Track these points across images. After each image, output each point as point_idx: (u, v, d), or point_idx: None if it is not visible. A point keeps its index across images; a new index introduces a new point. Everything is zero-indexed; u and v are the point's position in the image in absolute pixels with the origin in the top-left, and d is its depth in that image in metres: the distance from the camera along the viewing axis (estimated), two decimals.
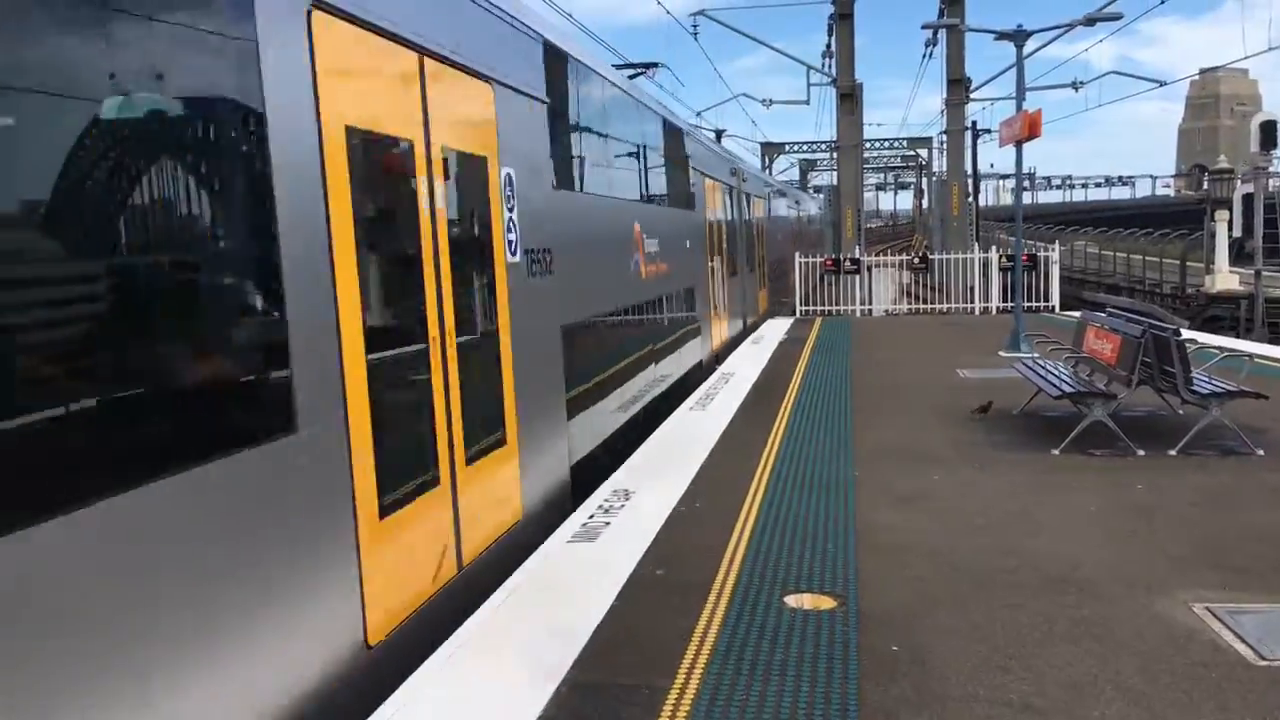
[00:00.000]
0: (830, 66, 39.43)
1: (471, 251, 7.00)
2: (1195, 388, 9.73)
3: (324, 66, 4.98)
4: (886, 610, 5.89)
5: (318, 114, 4.89)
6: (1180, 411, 10.93)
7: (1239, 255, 33.62)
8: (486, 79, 7.36)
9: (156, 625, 3.68)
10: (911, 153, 73.73)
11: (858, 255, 29.75)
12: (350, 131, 5.21)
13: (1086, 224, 70.95)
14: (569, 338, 9.27)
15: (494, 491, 7.18)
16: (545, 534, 7.66)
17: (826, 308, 27.74)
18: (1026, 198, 19.77)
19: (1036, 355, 15.27)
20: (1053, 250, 26.88)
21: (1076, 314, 24.19)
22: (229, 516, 4.15)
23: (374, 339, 5.35)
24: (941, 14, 35.07)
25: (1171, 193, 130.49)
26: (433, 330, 6.19)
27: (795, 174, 78.55)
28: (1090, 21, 19.09)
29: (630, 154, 13.36)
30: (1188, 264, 37.11)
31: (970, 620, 5.72)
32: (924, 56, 43.19)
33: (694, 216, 17.39)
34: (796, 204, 43.72)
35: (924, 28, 32.55)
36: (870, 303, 28.08)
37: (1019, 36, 17.87)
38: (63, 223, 3.45)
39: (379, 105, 5.65)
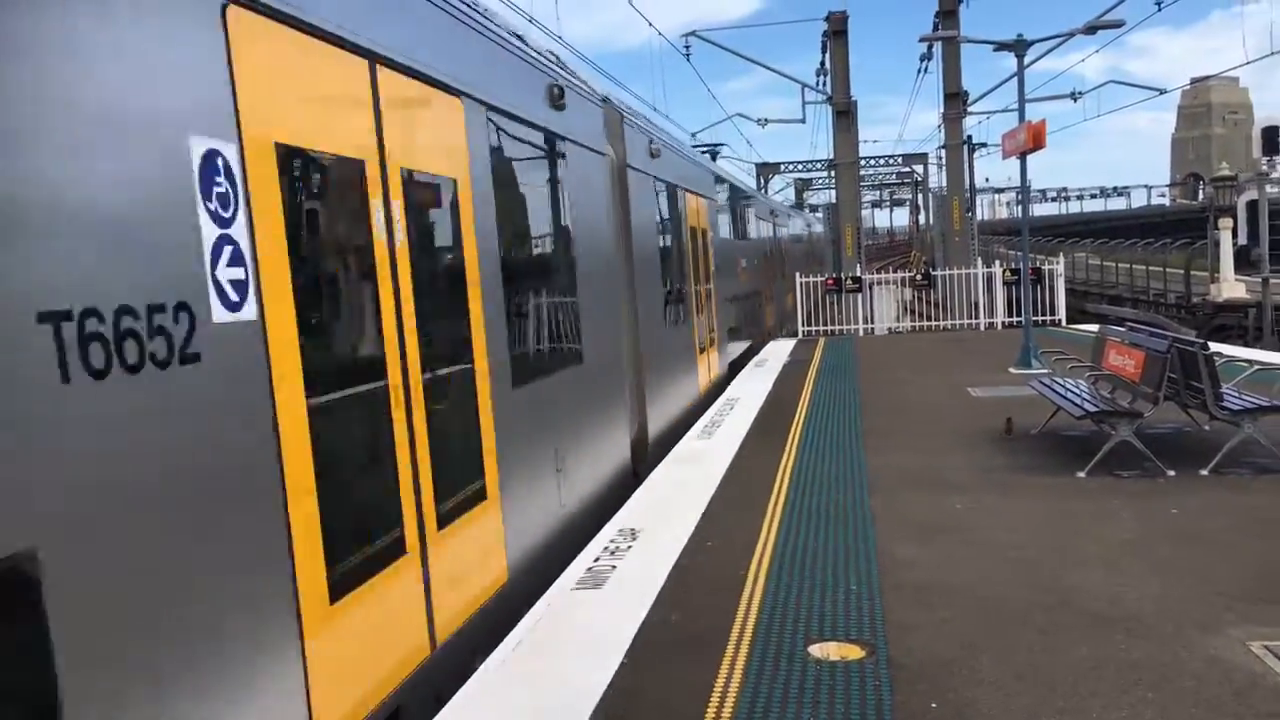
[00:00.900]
0: (825, 84, 39.20)
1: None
2: (1226, 404, 9.29)
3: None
4: (920, 660, 5.43)
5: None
6: (1207, 428, 10.52)
7: (1244, 263, 33.24)
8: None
9: None
10: (907, 169, 73.49)
11: (859, 273, 29.38)
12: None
13: (1084, 235, 70.74)
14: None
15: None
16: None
17: (829, 328, 27.34)
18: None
19: (1049, 371, 14.85)
20: (1057, 263, 26.52)
21: (1083, 327, 23.89)
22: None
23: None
24: (936, 28, 34.82)
25: (1167, 202, 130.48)
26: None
27: (791, 193, 78.29)
28: (1091, 30, 18.77)
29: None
30: (1192, 273, 36.78)
31: (1012, 668, 5.26)
32: (919, 72, 43.02)
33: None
34: (808, 225, 43.66)
35: (921, 40, 32.23)
36: (873, 321, 27.68)
37: (1020, 46, 17.53)
38: None
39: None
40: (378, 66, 5.39)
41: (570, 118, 9.29)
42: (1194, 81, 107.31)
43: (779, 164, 64.63)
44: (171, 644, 3.45)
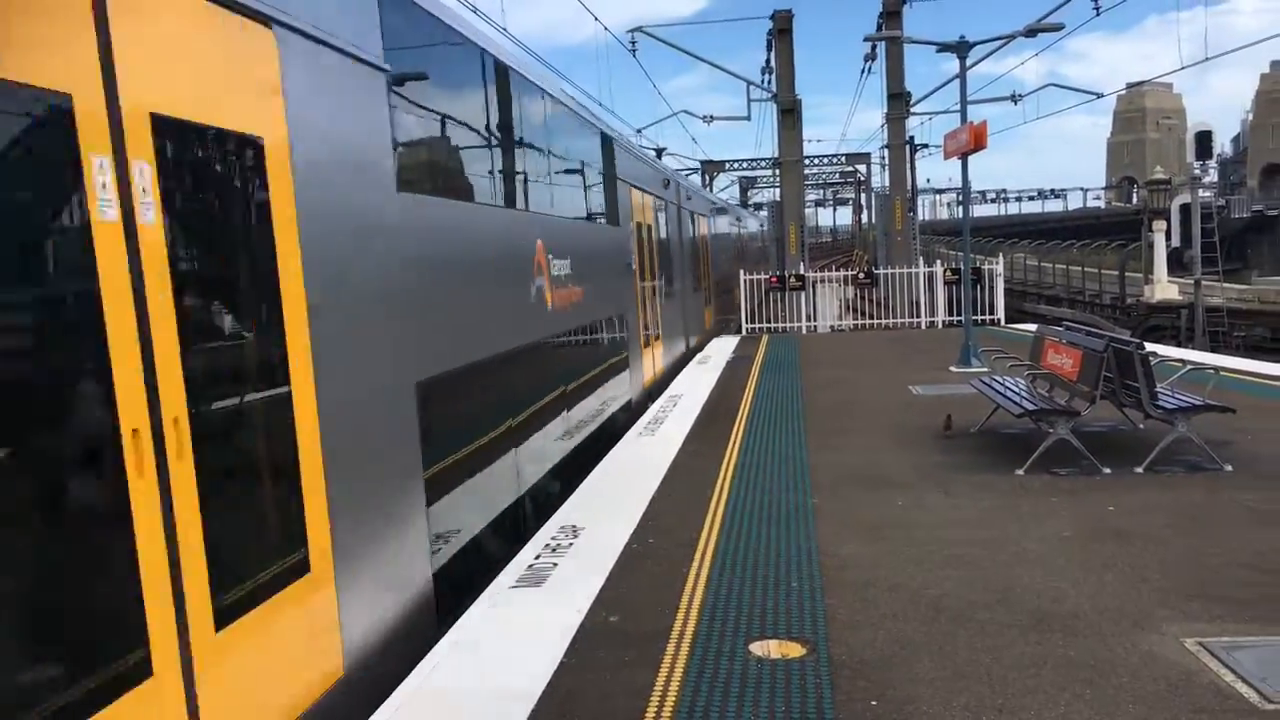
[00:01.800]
0: (770, 83, 39.29)
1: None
2: (1160, 403, 9.43)
3: None
4: (860, 657, 5.42)
5: None
6: (1142, 426, 10.67)
7: (1177, 265, 33.94)
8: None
9: None
10: (850, 168, 74.05)
11: (802, 271, 29.50)
12: None
13: (1022, 236, 71.88)
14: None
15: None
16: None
17: (773, 325, 27.43)
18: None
19: (989, 370, 15.01)
20: (996, 264, 26.85)
21: (1021, 327, 24.20)
22: None
23: None
24: (880, 28, 35.07)
25: (1103, 204, 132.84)
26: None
27: (736, 191, 78.55)
28: (1032, 32, 19.00)
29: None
30: (1126, 274, 37.49)
31: (952, 666, 5.26)
32: (863, 72, 43.25)
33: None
34: (739, 221, 43.36)
35: (866, 39, 32.39)
36: (816, 319, 27.83)
37: (961, 48, 17.69)
38: None
39: None
40: None
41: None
42: (1129, 87, 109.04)
43: (724, 162, 64.77)
44: None
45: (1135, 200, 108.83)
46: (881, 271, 28.77)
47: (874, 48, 38.41)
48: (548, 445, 10.04)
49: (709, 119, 47.02)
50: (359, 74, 6.04)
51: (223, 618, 4.20)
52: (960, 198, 19.38)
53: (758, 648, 5.62)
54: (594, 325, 12.80)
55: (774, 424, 12.64)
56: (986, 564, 6.90)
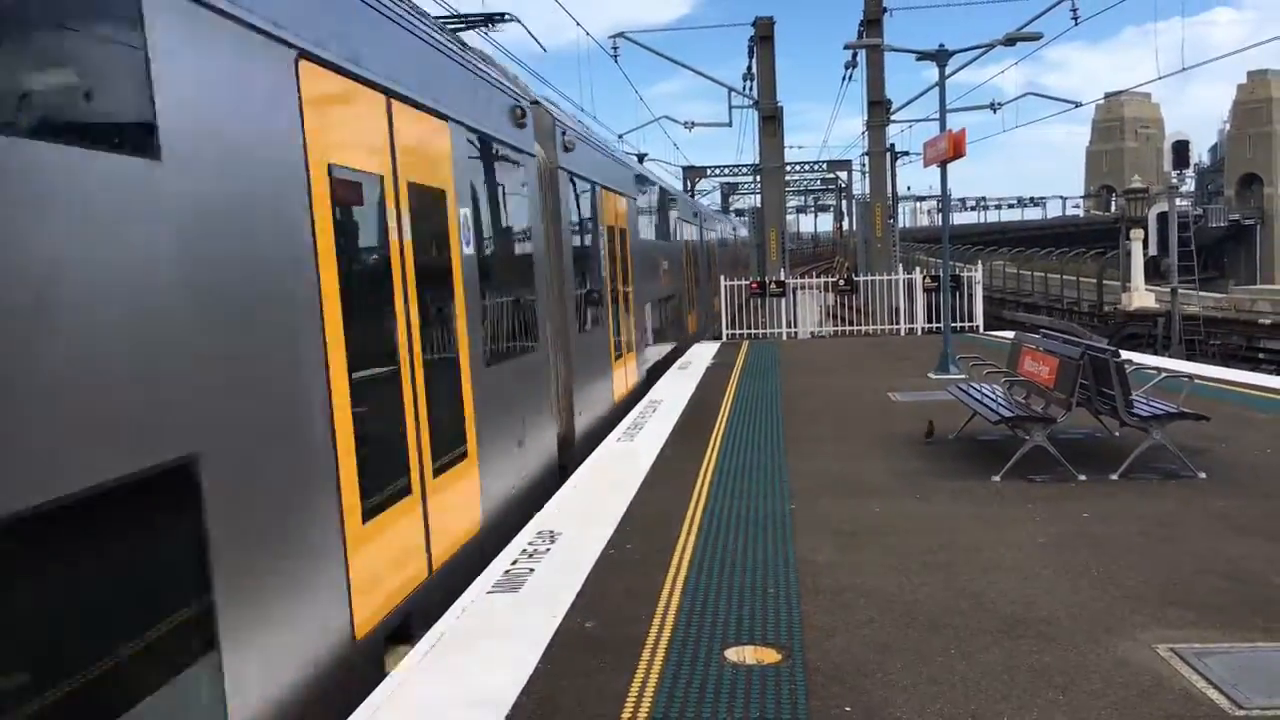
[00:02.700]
0: (751, 89, 39.42)
1: None
2: (1136, 410, 9.49)
3: None
4: (835, 663, 5.43)
5: None
6: (1117, 434, 10.73)
7: (1154, 273, 34.20)
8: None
9: None
10: (831, 175, 74.36)
11: (783, 277, 29.58)
12: None
13: (1001, 244, 72.28)
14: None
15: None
16: None
17: (753, 331, 27.48)
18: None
19: (967, 377, 15.07)
20: (975, 271, 26.99)
21: (1000, 334, 24.33)
22: None
23: None
24: (861, 36, 35.23)
25: (1081, 213, 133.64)
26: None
27: (717, 197, 78.73)
28: (1010, 41, 19.11)
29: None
30: (1104, 282, 37.76)
31: (926, 672, 5.28)
32: (844, 79, 43.60)
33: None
34: (731, 229, 43.51)
35: (846, 47, 32.63)
36: (796, 325, 27.89)
37: (941, 56, 17.79)
38: None
39: None
40: None
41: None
42: (1108, 96, 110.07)
43: (705, 168, 64.95)
44: None
45: (1113, 209, 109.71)
46: (861, 278, 28.87)
47: (855, 55, 38.61)
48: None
49: (690, 125, 47.16)
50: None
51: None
52: (940, 205, 19.46)
53: (733, 654, 5.62)
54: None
55: (753, 430, 12.67)
56: (962, 570, 6.93)
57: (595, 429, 12.95)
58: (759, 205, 43.49)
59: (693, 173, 62.94)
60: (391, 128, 6.42)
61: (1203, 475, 9.26)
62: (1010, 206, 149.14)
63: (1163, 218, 31.47)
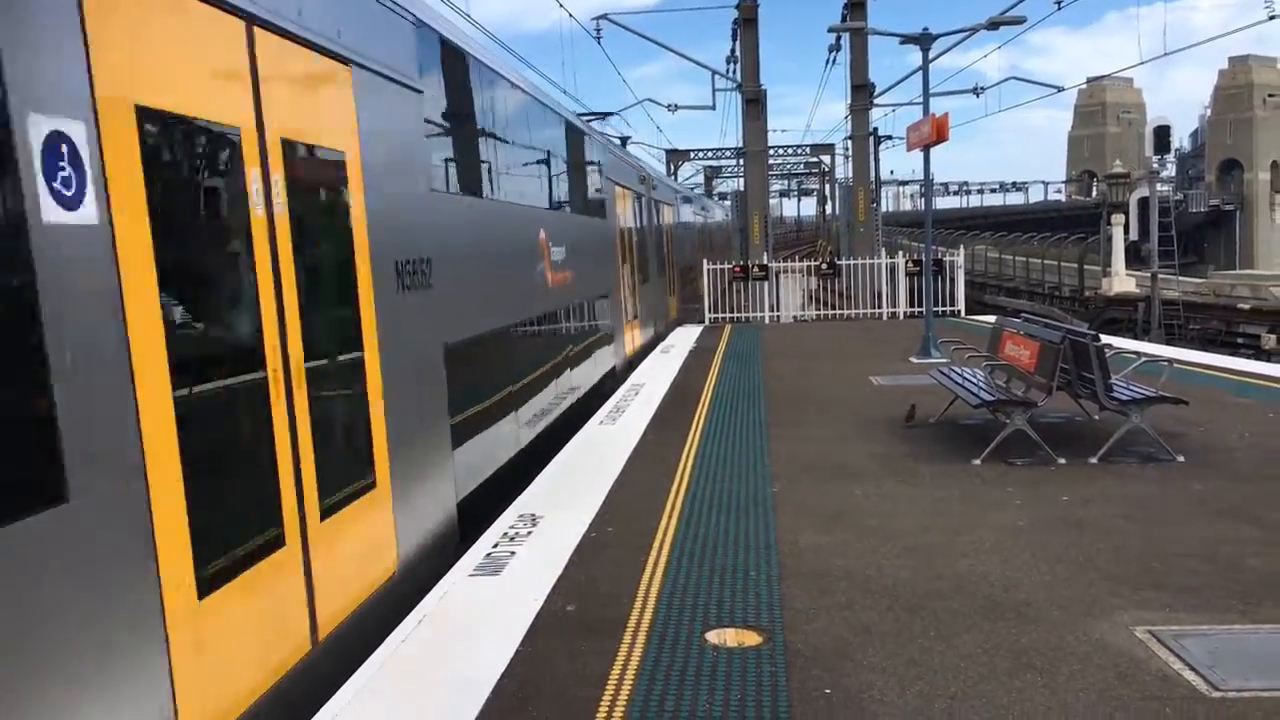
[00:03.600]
0: (735, 72, 39.33)
1: None
2: (1115, 394, 9.54)
3: None
4: (816, 646, 5.45)
5: None
6: (1097, 418, 10.77)
7: (1135, 258, 34.36)
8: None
9: None
10: (815, 159, 74.36)
11: (766, 261, 29.56)
12: None
13: (984, 228, 72.48)
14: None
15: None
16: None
17: (736, 315, 27.49)
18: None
19: (948, 361, 15.12)
20: (957, 255, 27.05)
21: (981, 318, 24.42)
22: None
23: None
24: (845, 19, 35.17)
25: (1063, 197, 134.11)
26: None
27: (700, 180, 78.64)
28: (994, 25, 19.10)
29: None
30: (1085, 267, 37.92)
31: (906, 654, 5.30)
32: (827, 63, 43.56)
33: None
34: (704, 210, 43.20)
35: (830, 30, 32.52)
36: (779, 309, 27.91)
37: (925, 40, 17.77)
38: None
39: None
40: None
41: None
42: (1090, 81, 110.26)
43: (689, 151, 64.84)
44: None
45: (1095, 194, 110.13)
46: (844, 262, 28.90)
47: (838, 39, 38.57)
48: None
49: (674, 107, 47.00)
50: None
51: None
52: (923, 189, 19.49)
53: (714, 636, 5.63)
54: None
55: (735, 413, 12.68)
56: (942, 553, 6.96)
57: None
58: (742, 189, 43.46)
59: (676, 156, 62.83)
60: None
61: (1181, 459, 9.32)
62: (993, 191, 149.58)
63: (1144, 203, 31.59)
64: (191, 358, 4.33)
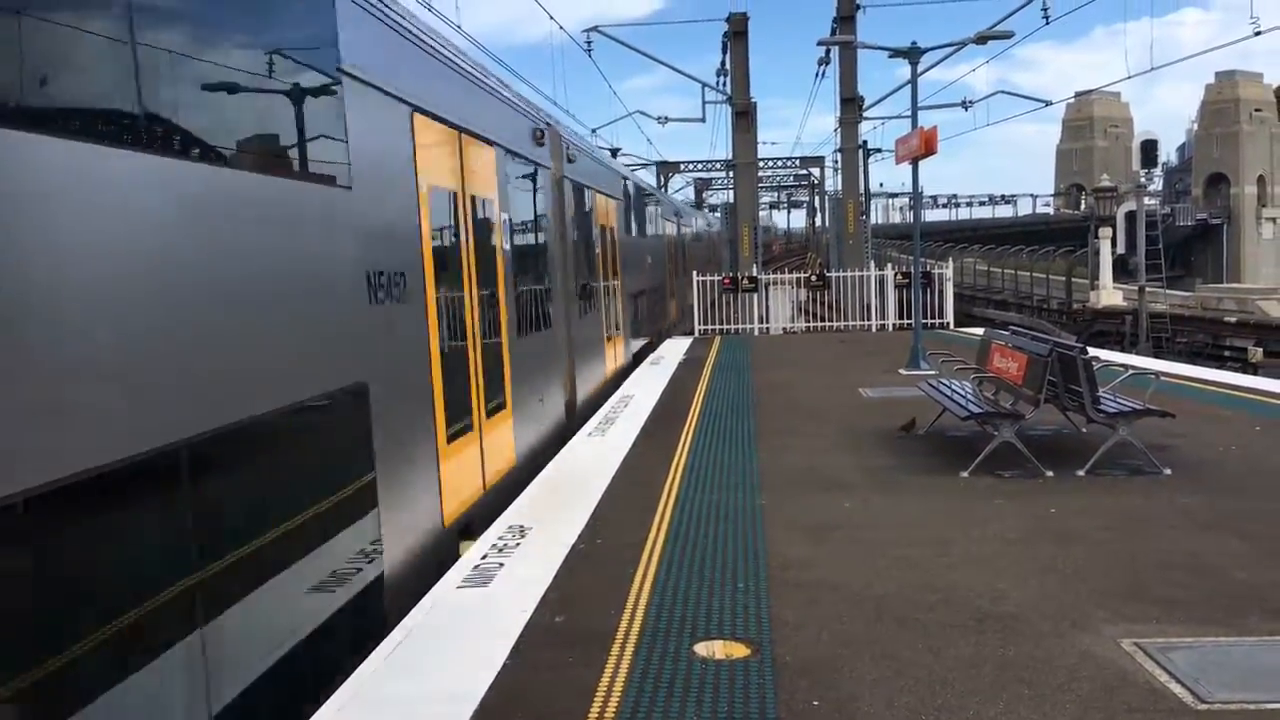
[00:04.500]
0: (725, 84, 39.45)
1: None
2: (1102, 407, 9.58)
3: None
4: (804, 658, 5.45)
5: None
6: (1084, 430, 10.82)
7: (1122, 271, 34.53)
8: None
9: None
10: (804, 172, 74.55)
11: (755, 273, 29.62)
12: None
13: (972, 241, 72.78)
14: None
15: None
16: None
17: (725, 326, 27.52)
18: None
19: (937, 373, 15.16)
20: (946, 268, 27.15)
21: (970, 330, 24.49)
22: None
23: None
24: (834, 33, 35.32)
25: (1051, 211, 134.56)
26: None
27: (690, 192, 78.76)
28: (982, 40, 19.23)
29: None
30: (1073, 280, 38.09)
31: (894, 666, 5.31)
32: (817, 76, 43.53)
33: None
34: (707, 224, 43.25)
35: (819, 43, 32.75)
36: (769, 321, 27.96)
37: (913, 53, 17.87)
38: None
39: None
40: None
41: None
42: (1078, 95, 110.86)
43: (679, 163, 64.94)
44: None
45: (1083, 207, 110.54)
46: (833, 274, 28.97)
47: (828, 52, 38.72)
48: None
49: (664, 120, 47.13)
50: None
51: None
52: (912, 202, 19.56)
53: (702, 648, 5.63)
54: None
55: (724, 426, 12.69)
56: (930, 565, 6.97)
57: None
58: (732, 201, 43.54)
59: (666, 168, 62.90)
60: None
61: (1168, 471, 9.36)
62: (981, 204, 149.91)
63: (1131, 217, 31.79)
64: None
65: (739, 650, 5.59)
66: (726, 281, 27.95)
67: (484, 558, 7.33)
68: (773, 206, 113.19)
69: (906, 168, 17.95)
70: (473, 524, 8.45)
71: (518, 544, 7.66)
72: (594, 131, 45.76)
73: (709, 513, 8.50)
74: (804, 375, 17.54)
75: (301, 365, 5.66)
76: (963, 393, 11.15)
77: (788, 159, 69.83)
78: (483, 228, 9.69)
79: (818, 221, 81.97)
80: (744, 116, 36.07)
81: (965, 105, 39.95)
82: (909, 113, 18.55)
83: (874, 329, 26.90)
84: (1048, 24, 27.76)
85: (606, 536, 7.87)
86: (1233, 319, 31.77)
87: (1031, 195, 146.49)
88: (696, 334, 26.90)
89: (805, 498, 8.93)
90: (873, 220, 68.95)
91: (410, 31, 7.81)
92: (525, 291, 11.39)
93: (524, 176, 11.93)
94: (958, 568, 6.91)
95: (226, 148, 5.09)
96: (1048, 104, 37.91)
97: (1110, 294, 33.56)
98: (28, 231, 3.60)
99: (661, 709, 4.89)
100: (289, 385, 5.43)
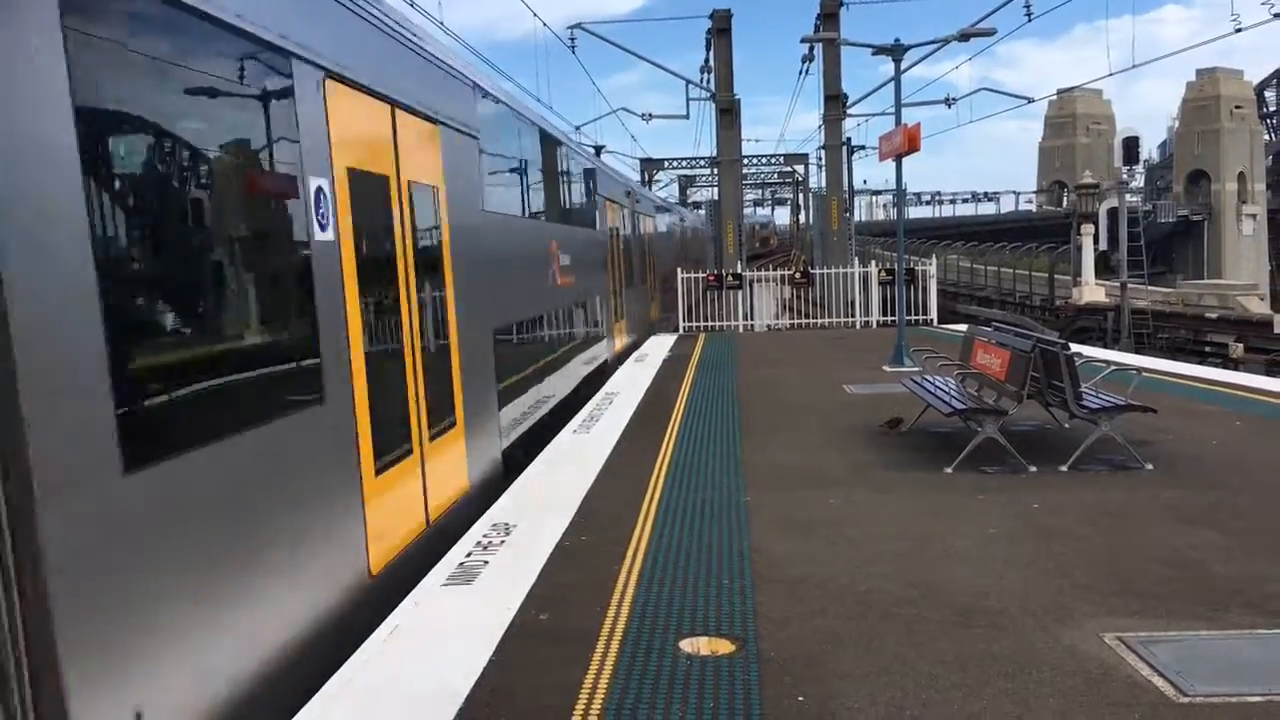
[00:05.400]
0: (709, 82, 39.46)
1: None
2: (1085, 402, 9.62)
3: None
4: (789, 654, 5.46)
5: None
6: (1067, 426, 10.87)
7: (1104, 268, 34.71)
8: None
9: None
10: (788, 169, 74.68)
11: (740, 270, 29.65)
12: None
13: (956, 238, 73.00)
14: None
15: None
16: None
17: (709, 323, 27.55)
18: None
19: (920, 369, 15.21)
20: (930, 265, 27.23)
21: (953, 327, 24.57)
22: None
23: None
24: (818, 30, 35.37)
25: (1034, 208, 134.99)
26: None
27: (675, 189, 78.80)
28: (964, 37, 19.28)
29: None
30: (1055, 276, 38.27)
31: (878, 662, 5.32)
32: (800, 73, 43.58)
33: None
34: (681, 220, 43.18)
35: (803, 40, 32.67)
36: (753, 318, 27.99)
37: (897, 51, 17.90)
38: None
39: None
40: None
41: None
42: (1060, 92, 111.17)
43: (663, 160, 64.97)
44: None
45: (1065, 204, 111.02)
46: (818, 271, 29.01)
47: (812, 49, 38.75)
48: None
49: (648, 117, 47.01)
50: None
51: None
52: (895, 199, 19.61)
53: (688, 644, 5.64)
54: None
55: (709, 422, 12.70)
56: (914, 561, 6.99)
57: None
58: (716, 198, 43.56)
59: (650, 165, 62.90)
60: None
61: (1149, 466, 9.41)
62: (964, 201, 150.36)
63: (1113, 213, 31.94)
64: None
65: (724, 646, 5.59)
66: (711, 278, 27.97)
67: (468, 555, 7.32)
68: (757, 204, 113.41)
69: (890, 165, 18.01)
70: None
71: (502, 541, 7.65)
72: (578, 129, 45.68)
73: (694, 509, 8.50)
74: (788, 372, 17.56)
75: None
76: (946, 389, 11.18)
77: (772, 156, 69.95)
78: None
79: (802, 218, 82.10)
80: (728, 113, 36.09)
81: (948, 102, 39.98)
82: (892, 110, 18.60)
83: (858, 326, 26.97)
84: (1030, 20, 27.83)
85: (591, 533, 7.87)
86: (1214, 315, 31.96)
87: (1014, 192, 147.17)
88: (681, 331, 26.92)
89: (790, 494, 8.95)
90: (856, 217, 69.13)
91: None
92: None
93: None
94: (941, 563, 6.93)
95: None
96: (1030, 101, 38.06)
97: (1092, 290, 33.71)
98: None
99: (647, 705, 4.90)
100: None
